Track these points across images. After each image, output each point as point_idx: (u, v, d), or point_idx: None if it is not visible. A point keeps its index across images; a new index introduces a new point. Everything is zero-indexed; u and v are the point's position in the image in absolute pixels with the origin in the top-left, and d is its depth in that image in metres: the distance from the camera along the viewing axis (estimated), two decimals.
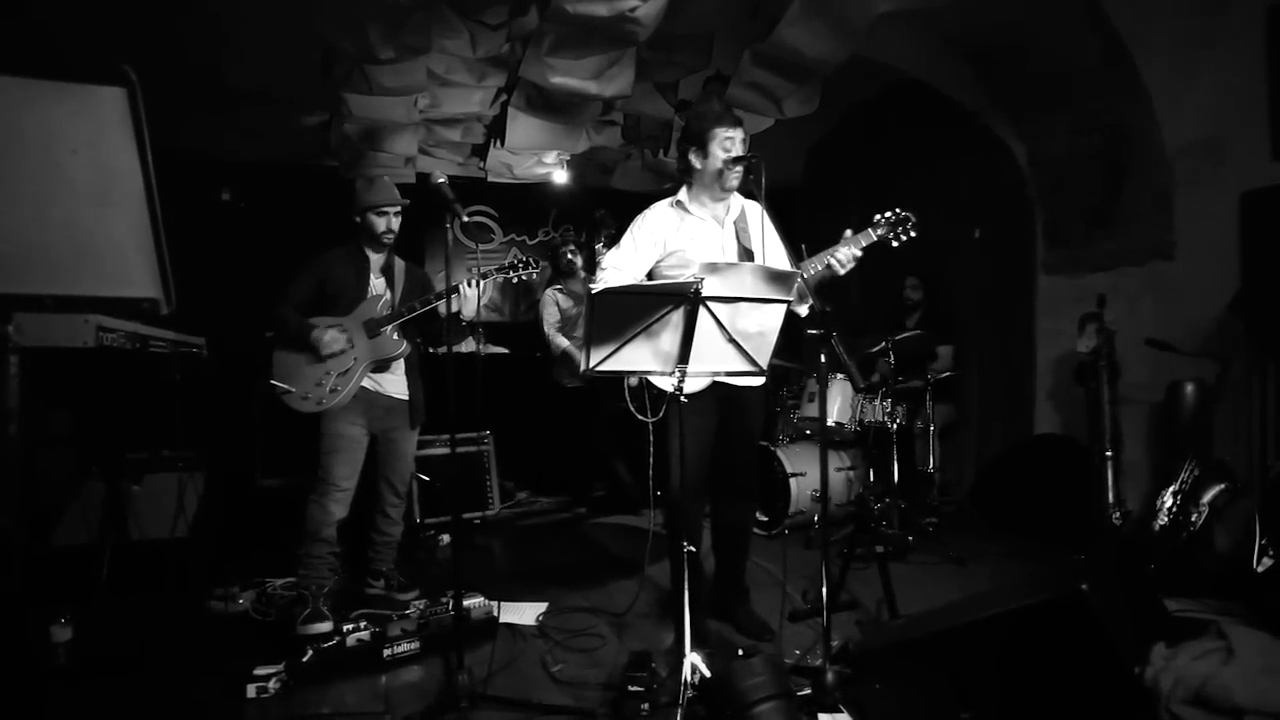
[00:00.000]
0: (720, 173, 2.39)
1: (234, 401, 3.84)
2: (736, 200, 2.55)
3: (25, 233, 1.21)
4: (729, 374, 2.14)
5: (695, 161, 2.45)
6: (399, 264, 2.93)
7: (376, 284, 2.84)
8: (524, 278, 2.86)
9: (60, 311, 2.16)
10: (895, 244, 2.40)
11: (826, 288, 2.43)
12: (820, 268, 2.37)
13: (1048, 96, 4.03)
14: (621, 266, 2.46)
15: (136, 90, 1.24)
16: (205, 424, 3.67)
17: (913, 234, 2.40)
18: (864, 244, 2.38)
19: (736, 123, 2.42)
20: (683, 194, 2.53)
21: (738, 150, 2.38)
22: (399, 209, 2.82)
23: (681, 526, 2.28)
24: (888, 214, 2.40)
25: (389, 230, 2.80)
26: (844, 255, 2.34)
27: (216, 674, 2.21)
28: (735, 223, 2.52)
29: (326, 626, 2.50)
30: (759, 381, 2.47)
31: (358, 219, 2.80)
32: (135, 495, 3.26)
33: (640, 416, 2.34)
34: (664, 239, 2.48)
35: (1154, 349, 3.43)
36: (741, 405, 2.49)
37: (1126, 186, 3.87)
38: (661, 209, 2.53)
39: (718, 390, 2.42)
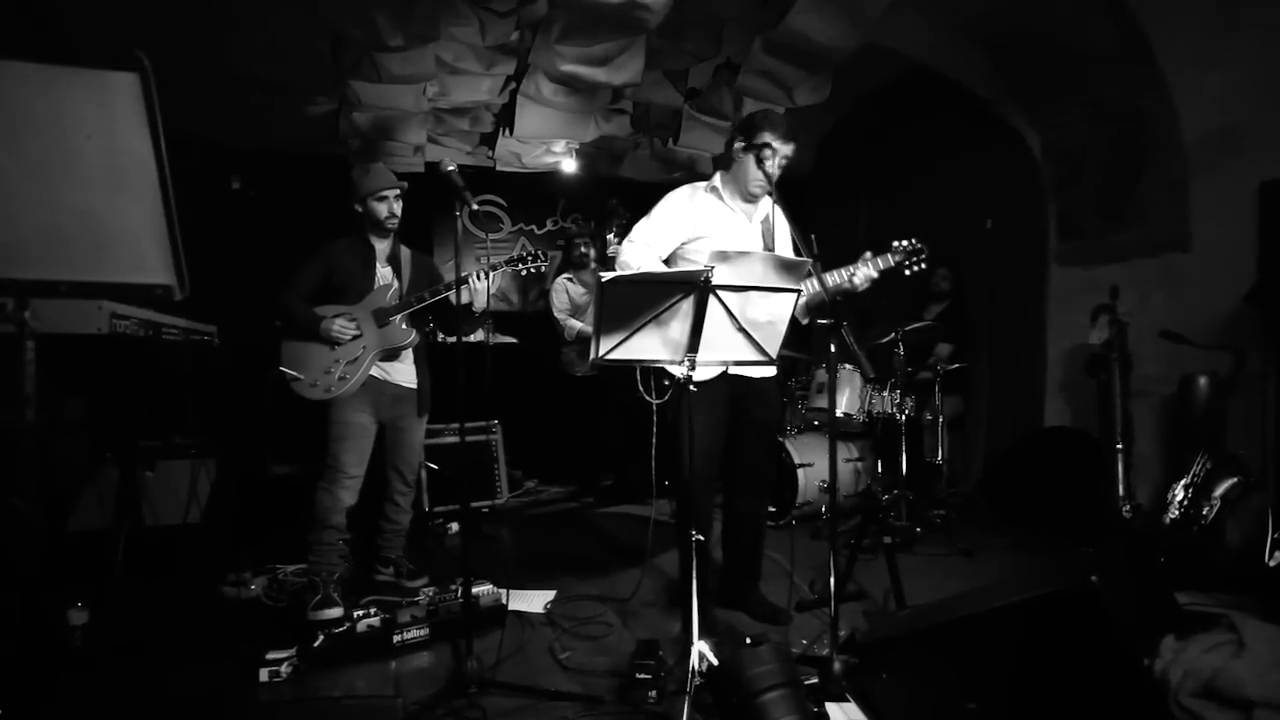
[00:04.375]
0: (749, 176, 2.39)
1: (245, 389, 3.87)
2: (767, 201, 2.55)
3: (40, 219, 1.21)
4: (738, 363, 2.13)
5: (737, 152, 2.43)
6: (405, 253, 2.92)
7: (384, 273, 2.83)
8: (533, 270, 2.83)
9: (75, 297, 2.18)
10: (907, 272, 2.44)
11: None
12: (834, 283, 2.38)
13: (1063, 85, 3.97)
14: (650, 241, 2.45)
15: (149, 75, 1.24)
16: (217, 411, 3.70)
17: (923, 265, 2.44)
18: (881, 267, 2.40)
19: (788, 138, 2.36)
20: (717, 179, 2.52)
21: (776, 164, 2.36)
22: (399, 192, 2.81)
23: (691, 515, 2.28)
24: (904, 243, 2.43)
25: (391, 215, 2.79)
26: (861, 278, 2.37)
27: (229, 658, 2.24)
28: (762, 222, 2.53)
29: (337, 612, 2.53)
30: (771, 371, 2.49)
31: (359, 208, 2.80)
32: (149, 481, 3.30)
33: (648, 398, 2.35)
34: (693, 221, 2.45)
35: (1168, 341, 3.39)
36: (756, 395, 2.49)
37: (1142, 176, 3.82)
38: (696, 190, 2.51)
39: (731, 380, 2.41)
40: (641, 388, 2.37)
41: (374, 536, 2.98)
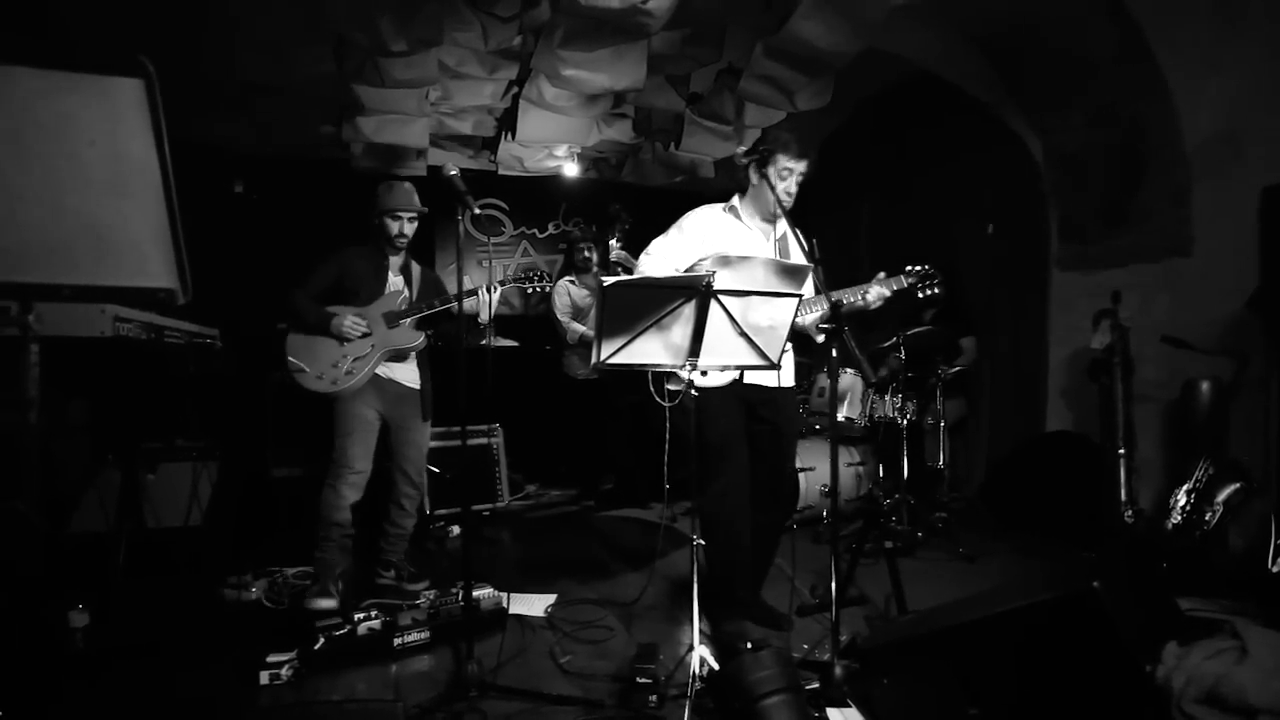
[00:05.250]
0: (768, 197, 2.40)
1: (247, 392, 3.87)
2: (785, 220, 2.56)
3: (44, 223, 1.22)
4: (748, 368, 2.13)
5: (752, 177, 2.45)
6: (415, 267, 3.02)
7: (395, 281, 2.93)
8: (537, 290, 2.97)
9: (78, 301, 2.19)
10: (920, 295, 2.47)
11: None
12: (848, 302, 2.41)
13: (1065, 89, 3.98)
14: (668, 257, 2.48)
15: (154, 81, 1.24)
16: (219, 414, 3.70)
17: (937, 290, 2.47)
18: (894, 288, 2.43)
19: (801, 155, 2.41)
20: (736, 200, 2.56)
21: (793, 183, 2.41)
22: (414, 215, 2.89)
23: (717, 525, 2.31)
24: (919, 267, 2.47)
25: (401, 234, 2.88)
26: (874, 295, 2.41)
27: (230, 660, 2.24)
28: (779, 240, 2.56)
29: (331, 603, 2.59)
30: (788, 380, 2.51)
31: (375, 221, 2.89)
32: (150, 484, 3.30)
33: (659, 400, 2.33)
34: (710, 238, 2.48)
35: (1170, 346, 3.39)
36: (771, 404, 2.48)
37: (1144, 181, 3.82)
38: (713, 210, 2.56)
39: (746, 388, 2.42)
40: (654, 389, 2.35)
41: (377, 539, 2.99)
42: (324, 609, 2.54)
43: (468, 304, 2.75)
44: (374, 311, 2.82)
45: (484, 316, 2.80)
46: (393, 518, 2.98)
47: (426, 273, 3.08)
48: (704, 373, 2.02)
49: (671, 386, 2.34)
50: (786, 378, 2.50)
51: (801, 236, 2.27)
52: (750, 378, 2.40)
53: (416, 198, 2.90)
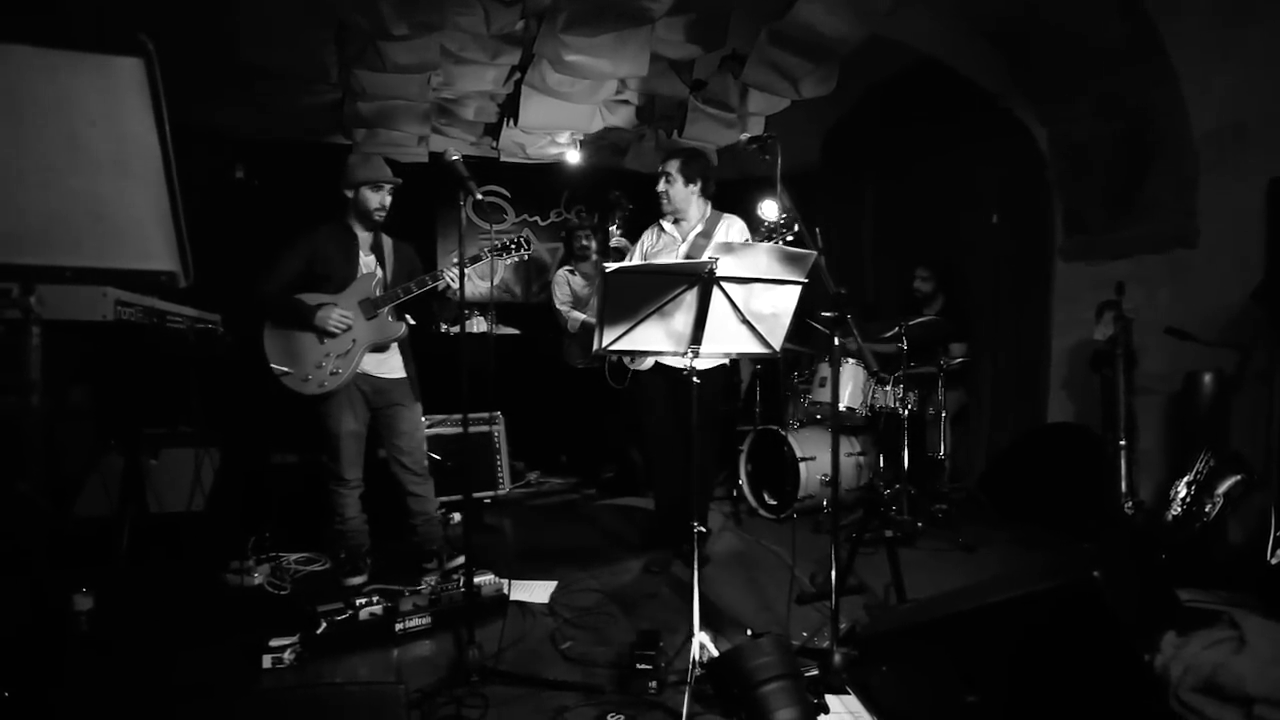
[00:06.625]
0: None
1: (249, 378, 3.86)
2: (701, 217, 2.98)
3: (45, 204, 1.21)
4: (746, 355, 2.20)
5: None
6: (387, 241, 2.90)
7: (366, 261, 2.81)
8: (516, 259, 2.83)
9: (80, 284, 2.18)
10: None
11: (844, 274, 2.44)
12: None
13: (1071, 79, 3.94)
14: None
15: (154, 60, 1.23)
16: (221, 400, 3.70)
17: (788, 237, 2.36)
18: None
19: (662, 160, 3.00)
20: None
21: (661, 184, 2.95)
22: (392, 186, 2.78)
23: (654, 477, 3.14)
24: (769, 221, 2.45)
25: (381, 207, 2.76)
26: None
27: (233, 644, 2.26)
28: (697, 237, 2.92)
29: (362, 579, 2.81)
30: (702, 366, 2.73)
31: (349, 194, 2.76)
32: (153, 469, 3.31)
33: (612, 383, 3.18)
34: (643, 249, 3.10)
35: (1173, 338, 3.38)
36: (688, 382, 2.56)
37: (1150, 172, 3.79)
38: (652, 226, 3.12)
39: (666, 371, 2.99)
40: (608, 375, 3.05)
41: (409, 536, 2.96)
42: (357, 584, 2.79)
43: (444, 282, 2.73)
44: (349, 299, 2.72)
45: (446, 286, 2.73)
46: (410, 507, 2.92)
47: (400, 246, 2.94)
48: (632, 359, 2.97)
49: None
50: (701, 363, 2.64)
51: (797, 214, 2.27)
52: (668, 362, 2.95)
53: (389, 168, 2.80)
